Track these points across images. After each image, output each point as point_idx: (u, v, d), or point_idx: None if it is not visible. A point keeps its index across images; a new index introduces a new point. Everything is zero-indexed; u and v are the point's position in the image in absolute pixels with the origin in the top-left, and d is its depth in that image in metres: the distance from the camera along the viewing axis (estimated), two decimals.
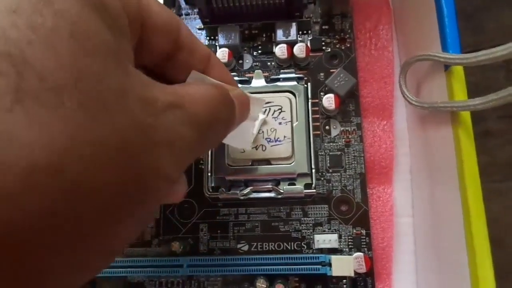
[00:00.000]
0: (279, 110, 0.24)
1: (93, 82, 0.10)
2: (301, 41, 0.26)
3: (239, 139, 0.20)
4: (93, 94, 0.10)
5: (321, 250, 0.23)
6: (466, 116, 0.19)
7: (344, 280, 0.23)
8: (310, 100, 0.25)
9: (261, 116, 0.24)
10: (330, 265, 0.22)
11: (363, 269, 0.22)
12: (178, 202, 0.20)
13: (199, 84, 0.16)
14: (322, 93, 0.25)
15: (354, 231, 0.23)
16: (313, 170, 0.24)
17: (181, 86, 0.14)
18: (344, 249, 0.23)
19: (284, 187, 0.23)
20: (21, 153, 0.09)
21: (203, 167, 0.25)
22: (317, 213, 0.24)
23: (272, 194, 0.24)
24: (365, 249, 0.23)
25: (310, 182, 0.24)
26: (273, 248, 0.24)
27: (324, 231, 0.24)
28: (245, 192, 0.24)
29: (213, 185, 0.24)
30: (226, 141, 0.20)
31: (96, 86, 0.10)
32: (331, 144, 0.25)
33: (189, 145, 0.13)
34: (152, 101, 0.12)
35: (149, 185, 0.12)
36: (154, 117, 0.12)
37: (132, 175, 0.11)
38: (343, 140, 0.25)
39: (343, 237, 0.23)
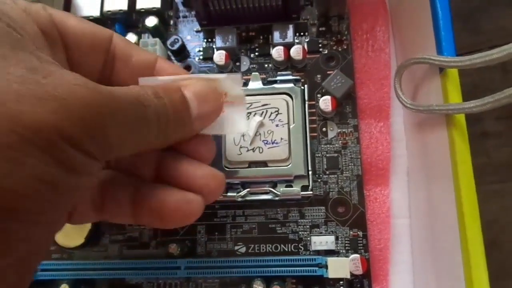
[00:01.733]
0: (276, 112, 0.24)
1: None
2: (298, 43, 0.26)
3: (233, 126, 0.20)
4: None
5: (318, 252, 0.23)
6: (461, 118, 0.19)
7: (341, 282, 0.23)
8: (307, 102, 0.25)
9: (258, 118, 0.24)
10: (327, 267, 0.22)
11: (359, 271, 0.22)
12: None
13: None
14: (319, 95, 0.25)
15: (351, 232, 0.23)
16: (310, 172, 0.24)
17: None
18: (341, 251, 0.23)
19: (281, 189, 0.24)
20: None
21: None
22: (314, 215, 0.24)
23: (269, 196, 0.24)
24: (362, 250, 0.23)
25: (307, 184, 0.24)
26: (270, 250, 0.24)
27: (321, 233, 0.24)
28: (242, 194, 0.24)
29: None
30: (221, 131, 0.19)
31: None
32: (328, 146, 0.25)
33: (103, 113, 0.13)
34: (47, 59, 0.13)
35: (46, 141, 0.12)
36: (46, 71, 0.12)
37: (23, 122, 0.11)
38: (340, 142, 0.25)
39: (340, 239, 0.23)
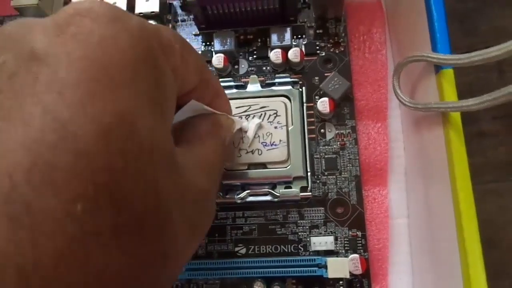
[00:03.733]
0: (275, 115, 0.24)
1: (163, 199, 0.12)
2: (295, 46, 0.26)
3: None
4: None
5: (318, 252, 0.24)
6: (457, 118, 0.19)
7: (341, 282, 0.23)
8: (305, 104, 0.25)
9: (257, 121, 0.24)
10: (326, 267, 0.22)
11: (358, 271, 0.22)
12: None
13: (209, 141, 0.18)
14: (317, 97, 0.26)
15: (350, 233, 0.24)
16: (309, 173, 0.24)
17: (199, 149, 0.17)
18: (340, 251, 0.23)
19: (280, 190, 0.24)
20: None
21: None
22: (313, 216, 0.24)
23: (268, 198, 0.24)
24: (361, 250, 0.23)
25: (306, 185, 0.24)
26: (270, 251, 0.24)
27: (321, 233, 0.24)
28: (242, 196, 0.24)
29: None
30: None
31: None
32: (326, 147, 0.25)
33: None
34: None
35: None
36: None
37: None
38: (338, 143, 0.25)
39: (339, 239, 0.24)
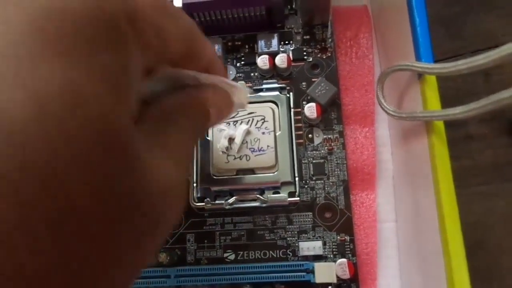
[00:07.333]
0: (262, 120, 0.25)
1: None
2: (283, 52, 0.27)
3: None
4: None
5: (306, 257, 0.24)
6: (440, 124, 0.20)
7: (329, 287, 0.23)
8: (292, 110, 0.25)
9: (244, 126, 0.24)
10: (314, 272, 0.22)
11: (346, 275, 0.22)
12: None
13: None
14: (304, 102, 0.26)
15: (338, 237, 0.24)
16: (297, 178, 0.24)
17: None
18: (329, 256, 0.24)
19: (268, 195, 0.24)
20: None
21: (188, 178, 0.25)
22: (301, 221, 0.24)
23: (257, 203, 0.24)
24: (350, 255, 0.23)
25: (294, 190, 0.24)
26: (259, 256, 0.24)
27: (309, 238, 0.24)
28: (230, 202, 0.24)
29: (199, 195, 0.24)
30: None
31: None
32: (314, 152, 0.25)
33: None
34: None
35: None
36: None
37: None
38: (326, 148, 0.25)
39: (327, 244, 0.24)
